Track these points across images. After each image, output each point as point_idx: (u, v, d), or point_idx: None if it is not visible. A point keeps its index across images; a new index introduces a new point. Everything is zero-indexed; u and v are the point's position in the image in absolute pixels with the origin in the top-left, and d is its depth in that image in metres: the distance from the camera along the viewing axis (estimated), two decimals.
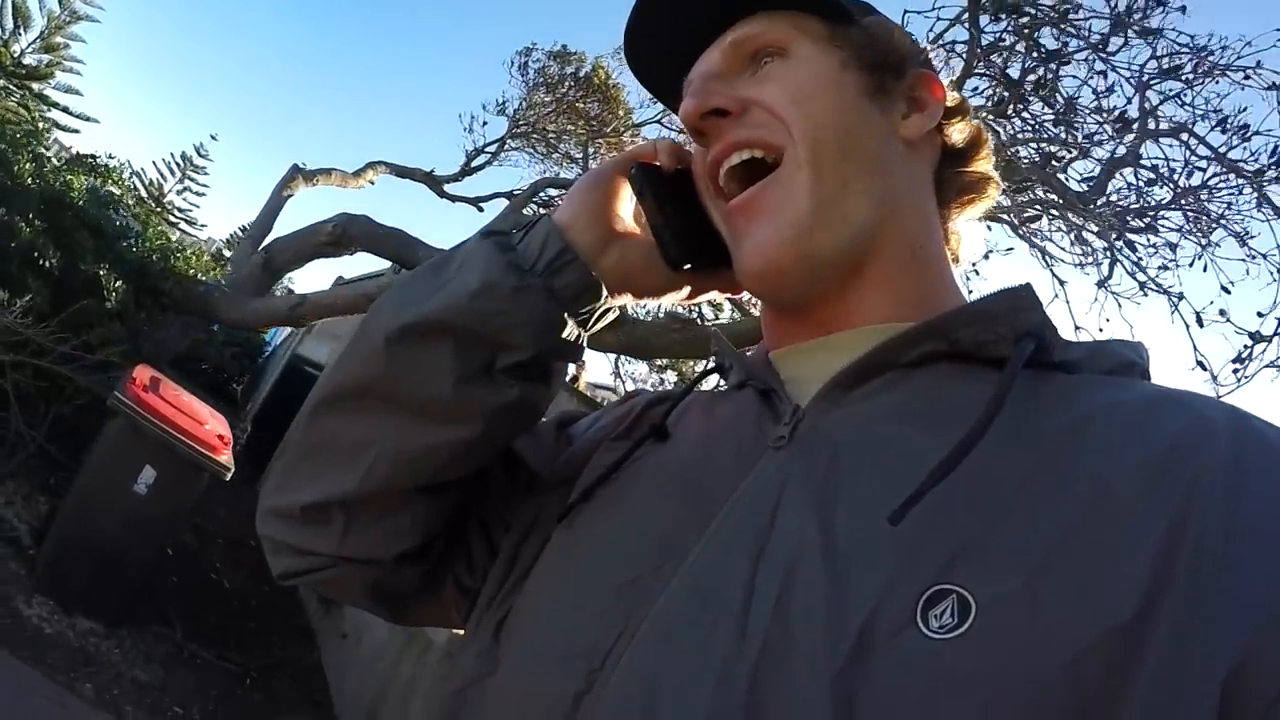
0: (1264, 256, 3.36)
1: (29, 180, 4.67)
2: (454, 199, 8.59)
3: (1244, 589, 0.32)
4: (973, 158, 0.59)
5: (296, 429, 0.59)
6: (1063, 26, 3.70)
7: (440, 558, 0.61)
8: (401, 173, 8.19)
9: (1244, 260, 3.43)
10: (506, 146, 8.75)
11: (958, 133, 0.58)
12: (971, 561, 0.35)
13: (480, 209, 8.47)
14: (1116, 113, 3.71)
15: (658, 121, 7.55)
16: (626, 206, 0.59)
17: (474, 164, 8.65)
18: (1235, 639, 0.31)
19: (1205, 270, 3.60)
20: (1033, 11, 3.74)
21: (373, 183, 7.84)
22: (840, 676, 0.34)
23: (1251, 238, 3.42)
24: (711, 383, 0.64)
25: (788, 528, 0.41)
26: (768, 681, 0.36)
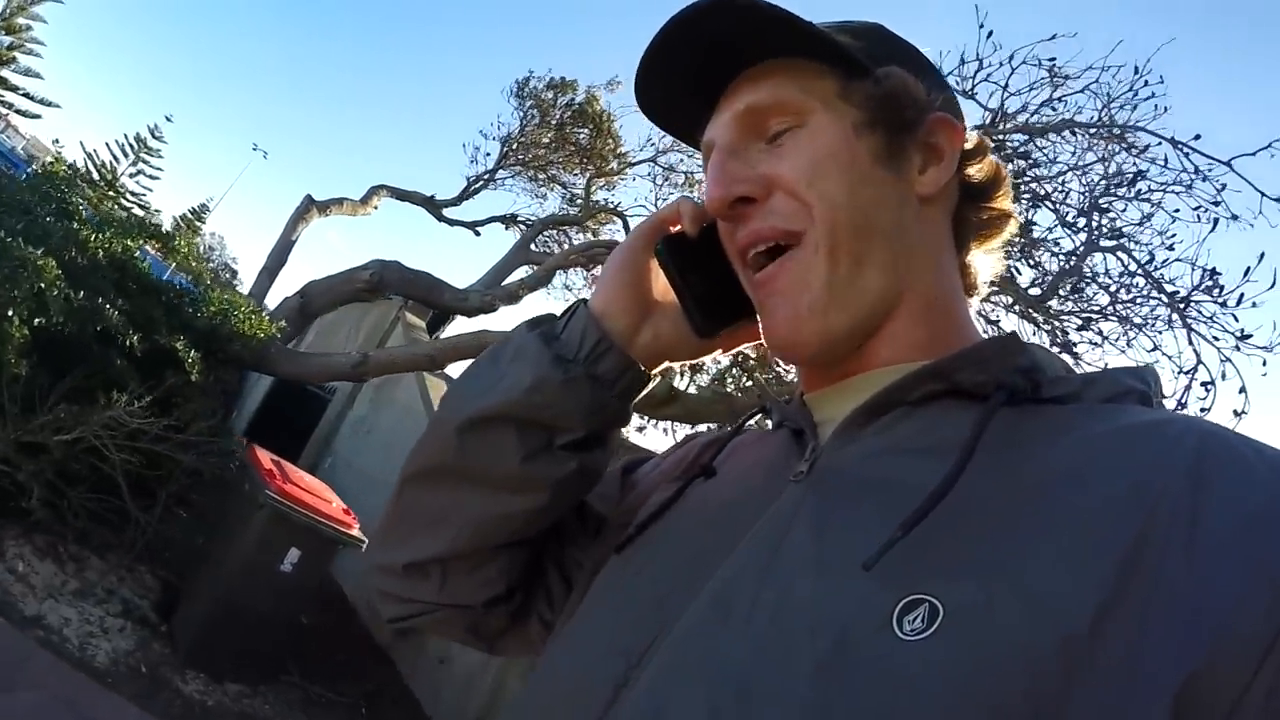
0: (1171, 358, 4.05)
1: (99, 252, 4.60)
2: (452, 223, 8.82)
3: (1200, 606, 0.33)
4: (992, 195, 0.60)
5: (394, 498, 0.69)
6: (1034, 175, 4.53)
7: (525, 598, 0.70)
8: (402, 196, 8.32)
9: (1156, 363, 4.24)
10: (500, 173, 9.02)
11: (977, 171, 0.59)
12: (945, 576, 0.39)
13: (477, 233, 8.74)
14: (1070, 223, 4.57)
15: (651, 160, 8.09)
16: (656, 281, 0.64)
17: (472, 189, 8.86)
18: (1189, 654, 0.32)
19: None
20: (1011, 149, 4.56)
21: (376, 208, 8.08)
22: (821, 671, 0.39)
23: (1161, 348, 4.24)
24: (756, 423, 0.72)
25: (792, 548, 0.46)
26: (760, 674, 0.41)
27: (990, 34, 4.24)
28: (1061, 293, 4.65)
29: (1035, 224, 4.64)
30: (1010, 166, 4.50)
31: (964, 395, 0.49)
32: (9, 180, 4.93)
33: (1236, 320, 3.79)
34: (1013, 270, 4.64)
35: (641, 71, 0.59)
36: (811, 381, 0.61)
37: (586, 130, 8.68)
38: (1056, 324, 4.65)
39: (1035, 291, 4.75)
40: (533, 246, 7.93)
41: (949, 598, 0.38)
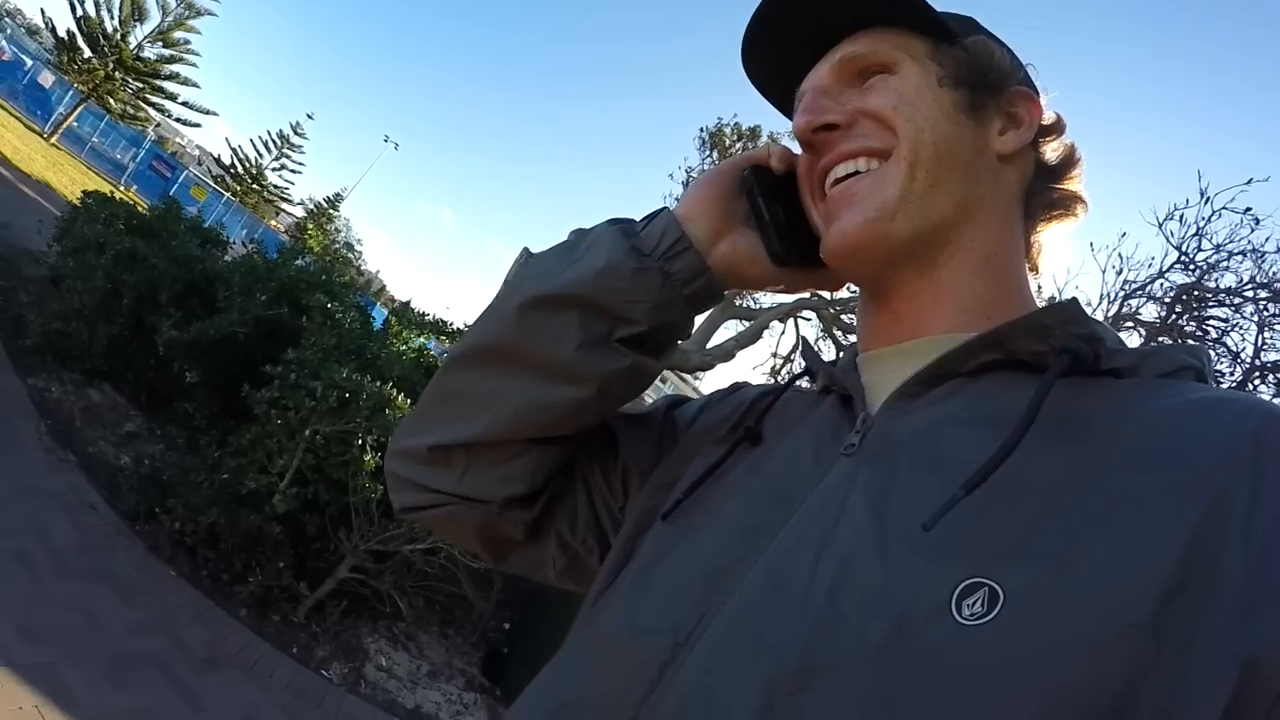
0: None
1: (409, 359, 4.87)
2: None
3: (1253, 600, 0.33)
4: (1064, 176, 0.62)
5: (434, 380, 0.67)
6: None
7: (544, 512, 0.68)
8: None
9: None
10: None
11: (1052, 150, 0.61)
12: (1004, 557, 0.38)
13: None
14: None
15: None
16: (740, 204, 0.65)
17: None
18: (1242, 648, 0.32)
19: None
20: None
21: None
22: (880, 654, 0.38)
23: None
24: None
25: (848, 525, 0.45)
26: (818, 655, 0.40)
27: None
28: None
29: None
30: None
31: (1022, 366, 0.49)
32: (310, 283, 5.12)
33: None
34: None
35: (750, 33, 0.61)
36: (868, 336, 0.61)
37: None
38: None
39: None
40: (736, 301, 8.10)
41: (1008, 582, 0.37)
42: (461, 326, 6.08)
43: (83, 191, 6.43)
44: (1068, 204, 0.62)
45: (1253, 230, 4.70)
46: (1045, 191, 0.61)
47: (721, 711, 0.42)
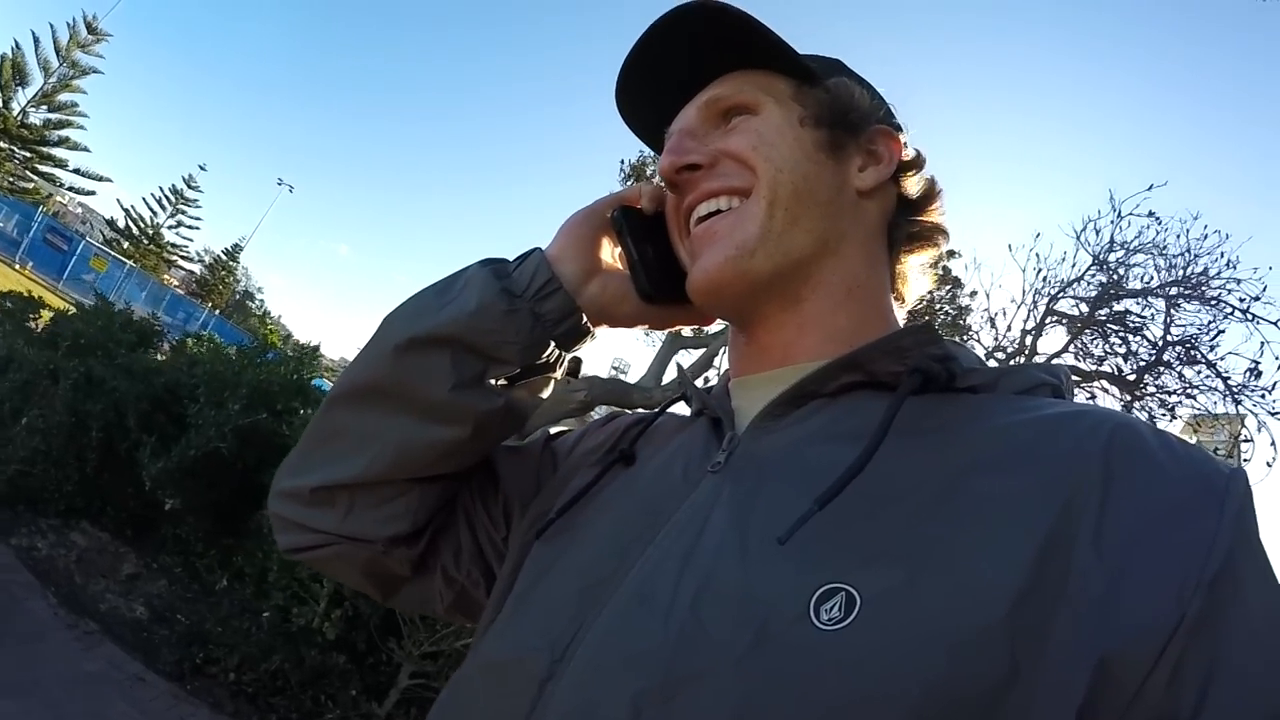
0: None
1: None
2: None
3: (1107, 597, 0.35)
4: (925, 209, 0.64)
5: (315, 418, 0.67)
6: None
7: (429, 548, 0.69)
8: None
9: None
10: None
11: (912, 184, 0.63)
12: (861, 563, 0.40)
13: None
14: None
15: None
16: (608, 247, 0.67)
17: None
18: (1098, 644, 0.34)
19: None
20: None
21: None
22: (742, 662, 0.39)
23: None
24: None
25: (711, 537, 0.47)
26: (682, 665, 0.41)
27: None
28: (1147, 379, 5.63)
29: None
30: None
31: (881, 386, 0.51)
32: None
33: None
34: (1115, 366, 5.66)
35: (623, 77, 0.63)
36: (738, 364, 0.63)
37: None
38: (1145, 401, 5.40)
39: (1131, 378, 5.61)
40: (684, 332, 8.26)
41: (866, 586, 0.38)
42: None
43: None
44: (929, 235, 0.65)
45: (1157, 232, 5.57)
46: (907, 224, 0.64)
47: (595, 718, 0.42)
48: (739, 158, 0.58)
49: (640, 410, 0.75)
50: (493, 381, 0.63)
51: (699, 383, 0.72)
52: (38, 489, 4.65)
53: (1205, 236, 5.54)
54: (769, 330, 0.60)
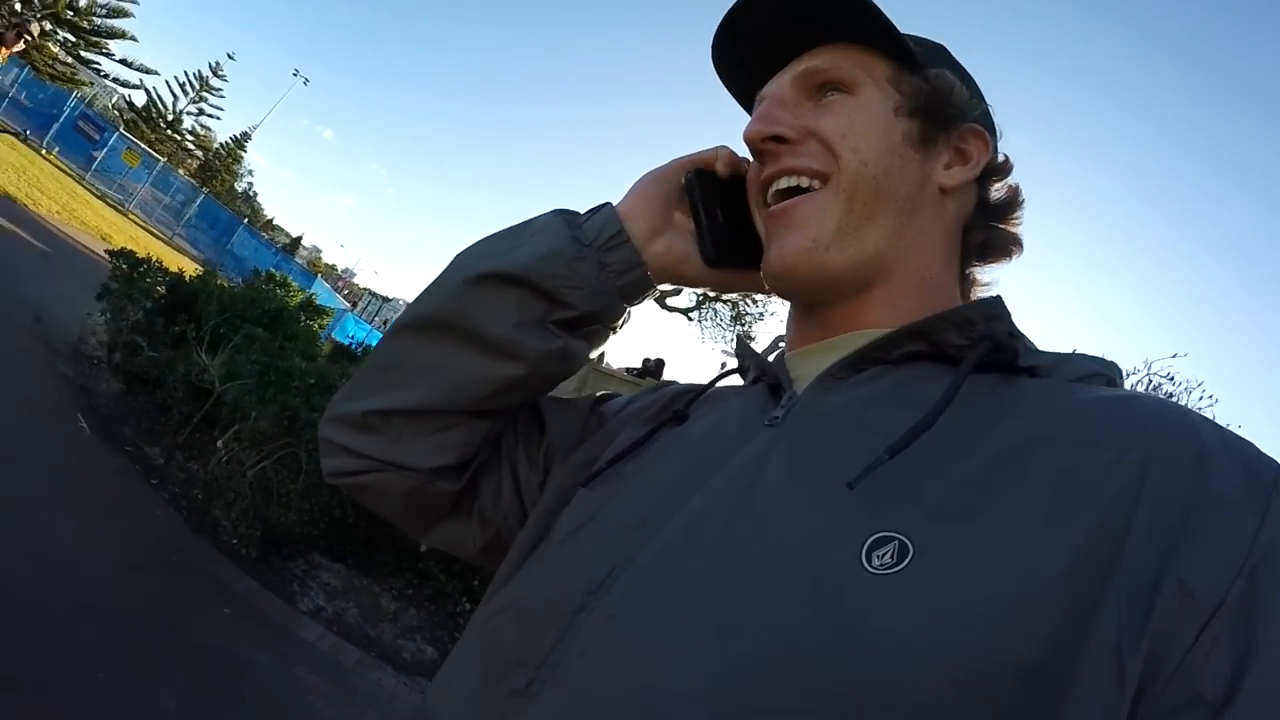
0: None
1: None
2: (672, 310, 9.10)
3: (1159, 576, 0.35)
4: (1005, 217, 0.64)
5: (376, 348, 0.70)
6: None
7: (469, 486, 0.70)
8: None
9: None
10: None
11: (995, 190, 0.63)
12: (918, 516, 0.40)
13: (690, 318, 9.01)
14: None
15: None
16: (680, 204, 0.68)
17: None
18: (1148, 620, 0.34)
19: None
20: None
21: None
22: (790, 600, 0.39)
23: None
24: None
25: (766, 482, 0.47)
26: (732, 600, 0.41)
27: None
28: None
29: None
30: None
31: (945, 359, 0.51)
32: None
33: None
34: None
35: (725, 25, 0.62)
36: (797, 336, 0.63)
37: None
38: None
39: None
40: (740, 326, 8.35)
41: (919, 537, 0.39)
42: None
43: (113, 255, 6.07)
44: (1004, 244, 0.65)
45: (1169, 393, 7.43)
46: (984, 228, 0.63)
47: (631, 652, 0.43)
48: (826, 141, 0.58)
49: (693, 381, 0.76)
50: (553, 324, 0.65)
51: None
52: (287, 533, 4.15)
53: (1201, 398, 7.47)
54: (835, 309, 0.60)
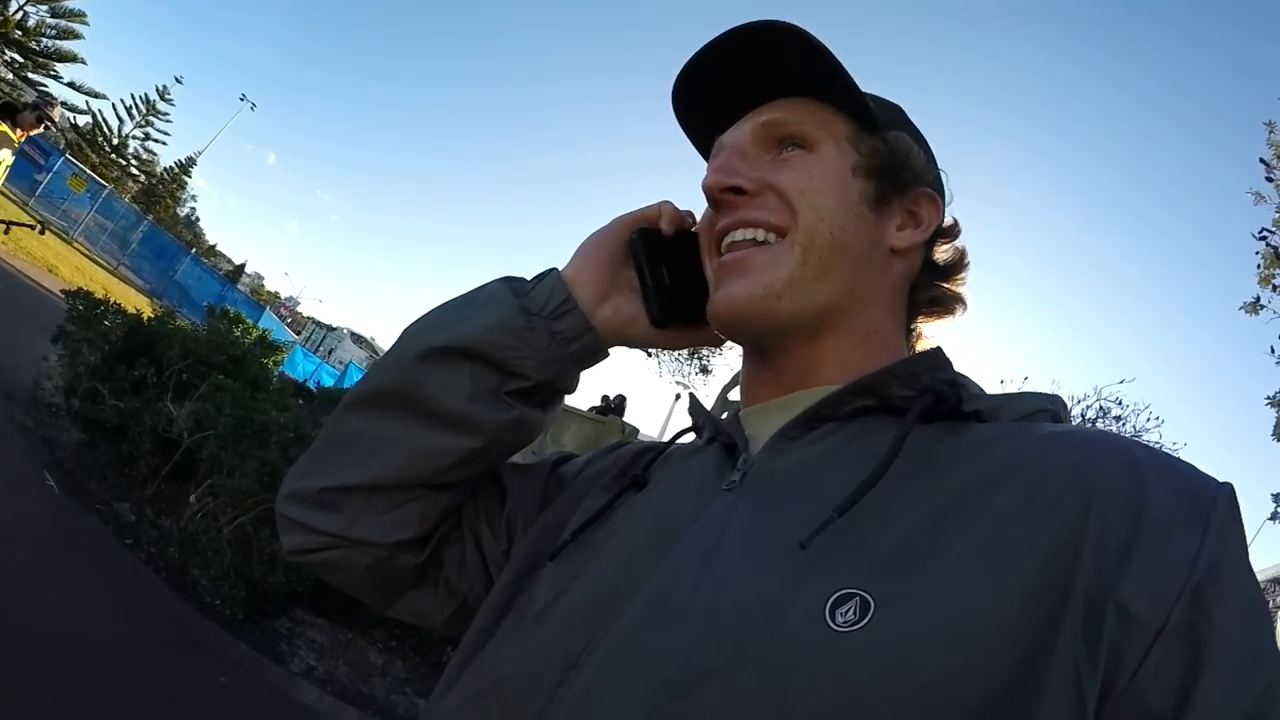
0: None
1: None
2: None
3: (1107, 600, 0.37)
4: (951, 276, 0.66)
5: (329, 423, 0.69)
6: None
7: (432, 558, 0.69)
8: None
9: None
10: None
11: (943, 251, 0.65)
12: (874, 571, 0.41)
13: (648, 354, 9.06)
14: None
15: None
16: (626, 264, 0.68)
17: None
18: (1102, 644, 0.36)
19: None
20: None
21: None
22: (758, 659, 0.40)
23: None
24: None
25: (729, 546, 0.48)
26: (699, 662, 0.42)
27: None
28: None
29: None
30: None
31: (893, 411, 0.53)
32: None
33: None
34: None
35: (690, 67, 0.63)
36: (751, 392, 0.65)
37: None
38: None
39: None
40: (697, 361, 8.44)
41: (879, 590, 0.40)
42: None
43: (69, 295, 5.88)
44: (948, 302, 0.68)
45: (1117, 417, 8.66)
46: (930, 287, 0.66)
47: (607, 717, 0.43)
48: (785, 196, 0.59)
49: (650, 439, 0.76)
50: (507, 395, 0.65)
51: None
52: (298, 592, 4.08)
53: (1148, 420, 8.41)
54: (785, 360, 0.61)
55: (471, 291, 0.69)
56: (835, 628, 0.40)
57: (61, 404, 5.97)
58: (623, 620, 0.48)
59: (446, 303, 0.69)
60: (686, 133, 0.71)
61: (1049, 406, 0.54)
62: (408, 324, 0.69)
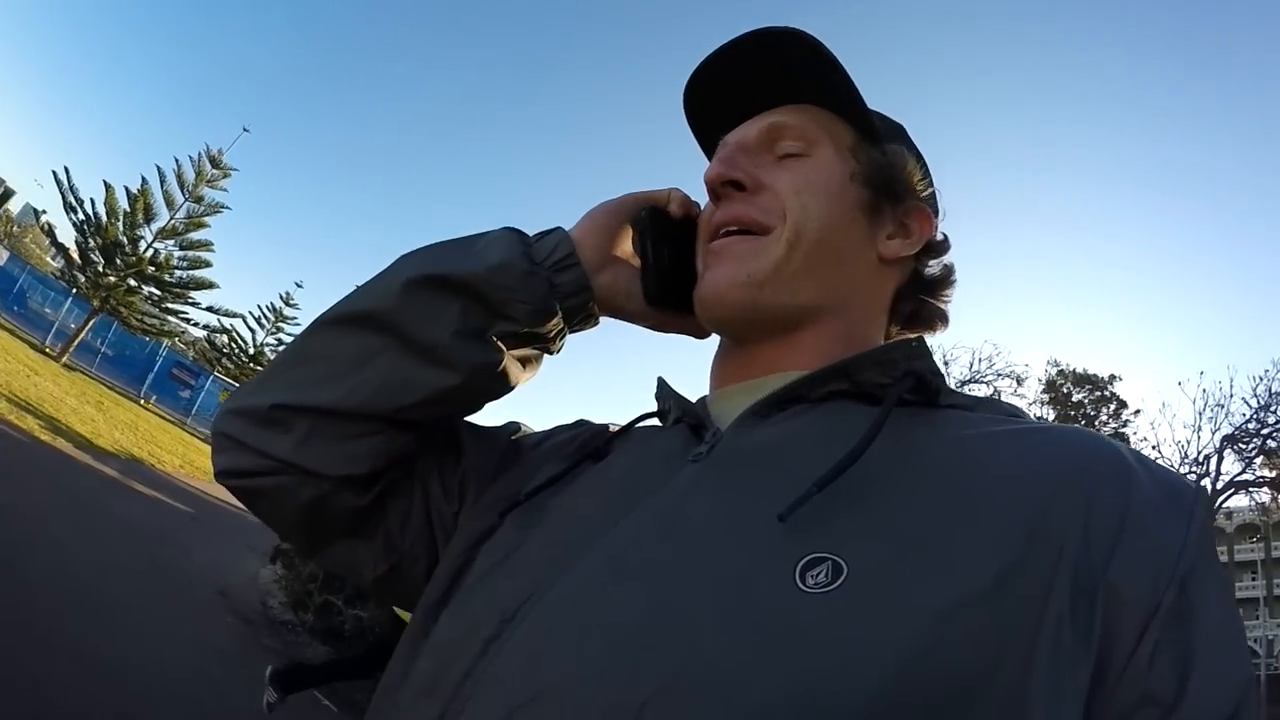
0: None
1: None
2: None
3: (1097, 585, 0.37)
4: (936, 292, 0.67)
5: (293, 342, 0.65)
6: None
7: (376, 503, 0.65)
8: None
9: None
10: None
11: (931, 266, 0.67)
12: (849, 539, 0.41)
13: None
14: None
15: None
16: (628, 240, 0.68)
17: None
18: (1094, 623, 0.37)
19: None
20: None
21: None
22: (725, 620, 0.39)
23: None
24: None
25: (693, 514, 0.47)
26: (661, 625, 0.40)
27: None
28: None
29: None
30: None
31: (867, 398, 0.53)
32: None
33: None
34: None
35: (708, 64, 0.64)
36: (723, 375, 0.64)
37: None
38: None
39: None
40: None
41: (853, 558, 0.39)
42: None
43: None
44: (930, 316, 0.69)
45: None
46: (914, 300, 0.67)
47: (542, 676, 0.42)
48: (780, 196, 0.60)
49: (609, 422, 0.74)
50: (494, 337, 0.63)
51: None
52: None
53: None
54: (762, 349, 0.61)
55: (475, 234, 0.67)
56: (805, 589, 0.39)
57: (294, 620, 6.21)
58: (571, 578, 0.47)
59: (447, 240, 0.67)
60: (694, 130, 0.72)
61: (1021, 413, 0.55)
62: (403, 253, 0.67)
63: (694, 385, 0.68)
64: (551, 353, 0.69)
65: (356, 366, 0.61)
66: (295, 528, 0.67)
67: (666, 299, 0.66)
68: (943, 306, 0.69)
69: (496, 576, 0.53)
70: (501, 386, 0.66)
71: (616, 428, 0.71)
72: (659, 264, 0.66)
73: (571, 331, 0.68)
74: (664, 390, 0.67)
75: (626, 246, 0.68)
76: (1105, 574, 0.38)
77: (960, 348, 13.69)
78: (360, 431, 0.62)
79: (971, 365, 13.37)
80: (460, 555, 0.60)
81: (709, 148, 0.71)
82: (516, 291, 0.62)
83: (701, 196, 0.67)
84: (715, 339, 0.69)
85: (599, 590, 0.45)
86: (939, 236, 0.67)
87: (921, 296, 0.68)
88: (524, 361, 0.67)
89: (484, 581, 0.54)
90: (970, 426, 0.49)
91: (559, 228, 0.68)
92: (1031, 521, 0.40)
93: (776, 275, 0.58)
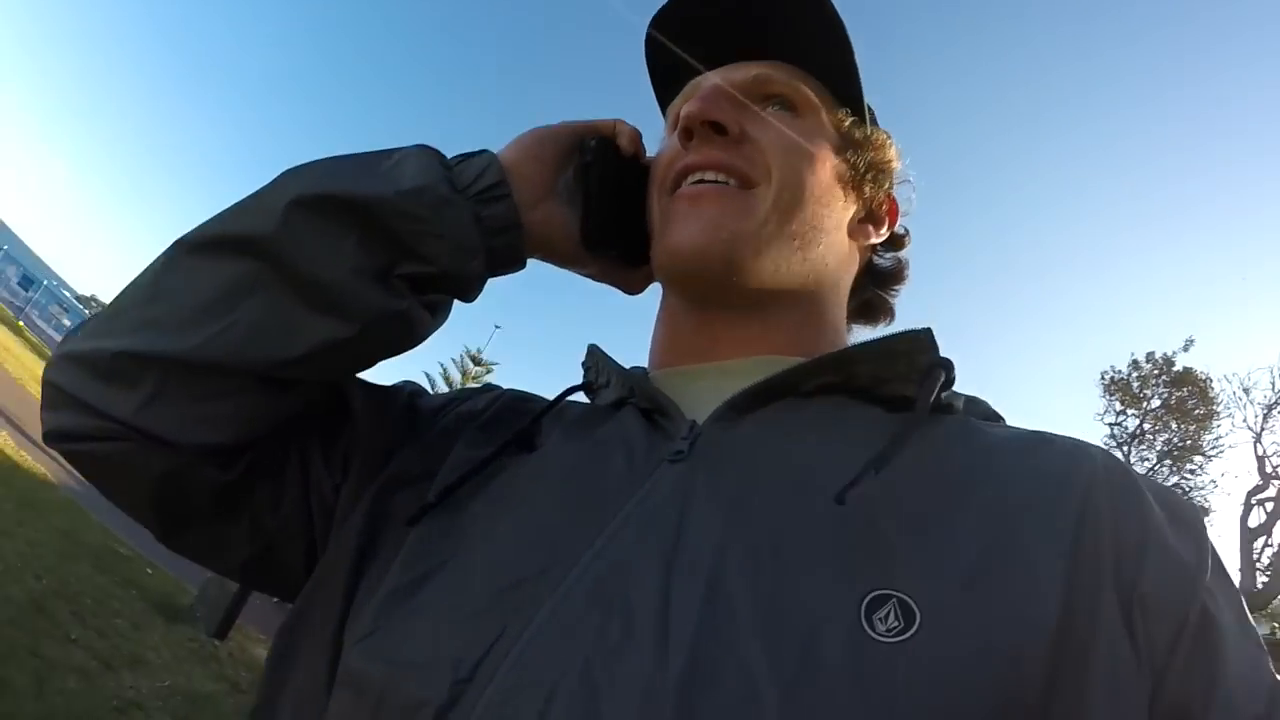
0: None
1: None
2: None
3: (1133, 596, 0.37)
4: (888, 285, 0.66)
5: (144, 272, 0.52)
6: None
7: (243, 479, 0.53)
8: None
9: None
10: None
11: (886, 259, 0.66)
12: (905, 568, 0.37)
13: None
14: None
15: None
16: (566, 173, 0.59)
17: None
18: (1136, 637, 0.36)
19: None
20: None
21: None
22: (792, 686, 0.33)
23: None
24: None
25: (702, 537, 0.40)
26: (703, 698, 0.33)
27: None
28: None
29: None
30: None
31: (860, 394, 0.49)
32: None
33: None
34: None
35: (680, 7, 0.59)
36: (672, 352, 0.59)
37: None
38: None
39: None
40: None
41: (920, 595, 0.36)
42: None
43: None
44: (877, 310, 0.68)
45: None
46: (866, 290, 0.66)
47: None
48: (766, 151, 0.55)
49: (526, 391, 0.66)
50: (398, 279, 0.51)
51: None
52: None
53: None
54: (727, 322, 0.56)
55: (378, 151, 0.54)
56: (878, 638, 0.34)
57: None
58: (545, 627, 0.38)
59: (347, 155, 0.54)
60: (651, 61, 0.64)
61: (999, 415, 0.54)
62: (288, 167, 0.54)
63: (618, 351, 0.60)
64: (466, 300, 0.57)
65: (220, 308, 0.49)
66: (143, 506, 0.53)
67: (606, 245, 0.60)
68: (891, 301, 0.67)
69: (427, 607, 0.43)
70: (404, 340, 0.55)
71: (534, 403, 0.62)
72: (601, 204, 0.59)
73: (493, 273, 0.57)
74: (600, 361, 0.61)
75: (562, 180, 0.59)
76: (1138, 585, 0.37)
77: (1259, 369, 13.89)
78: (221, 389, 0.50)
79: (1275, 386, 13.65)
80: (352, 555, 0.51)
81: (665, 84, 0.64)
82: (431, 224, 0.50)
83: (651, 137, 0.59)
84: (649, 297, 0.62)
85: (594, 643, 0.37)
86: (901, 230, 0.66)
87: (873, 288, 0.66)
88: (431, 309, 0.55)
89: (412, 609, 0.44)
90: (973, 435, 0.47)
91: (486, 150, 0.57)
92: (1077, 538, 0.38)
93: (762, 240, 0.53)
